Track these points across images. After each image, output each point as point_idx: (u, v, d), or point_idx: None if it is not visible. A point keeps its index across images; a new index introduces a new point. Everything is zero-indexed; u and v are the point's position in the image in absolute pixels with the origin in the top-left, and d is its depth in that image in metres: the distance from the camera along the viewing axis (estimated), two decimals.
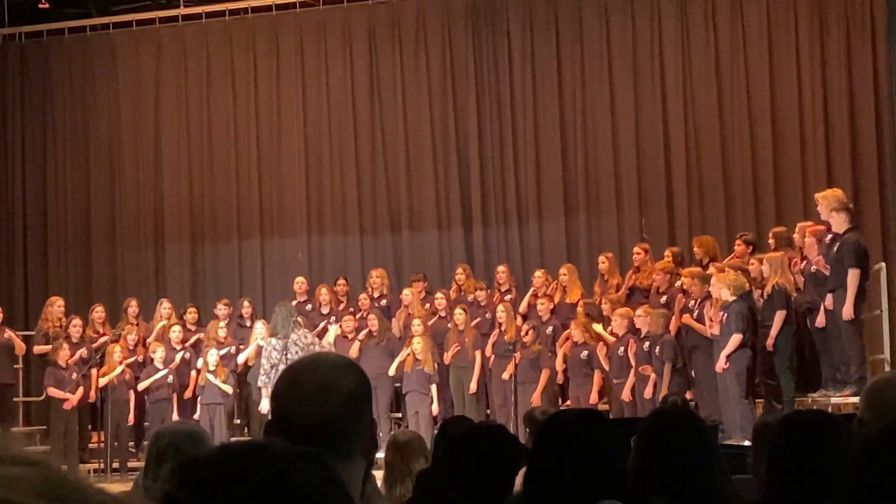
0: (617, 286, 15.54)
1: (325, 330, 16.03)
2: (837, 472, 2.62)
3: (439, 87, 18.29)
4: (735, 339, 12.96)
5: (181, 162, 19.10)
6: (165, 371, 15.55)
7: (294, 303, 15.83)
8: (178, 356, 15.78)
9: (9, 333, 16.14)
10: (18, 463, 1.13)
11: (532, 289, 15.91)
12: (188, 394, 15.76)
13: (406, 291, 16.35)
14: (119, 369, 15.58)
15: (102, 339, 16.26)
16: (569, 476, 3.41)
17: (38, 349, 16.22)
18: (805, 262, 13.45)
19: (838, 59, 16.78)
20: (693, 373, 14.00)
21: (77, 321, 16.18)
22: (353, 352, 15.46)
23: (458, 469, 4.09)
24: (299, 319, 14.75)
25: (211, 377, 15.39)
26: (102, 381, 15.53)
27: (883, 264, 13.62)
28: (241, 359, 15.80)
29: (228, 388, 15.49)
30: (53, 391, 15.42)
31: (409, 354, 15.28)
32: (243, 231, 18.89)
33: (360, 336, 15.77)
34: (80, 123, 19.55)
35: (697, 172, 17.29)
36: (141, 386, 15.64)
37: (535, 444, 3.67)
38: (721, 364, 13.00)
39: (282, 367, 13.14)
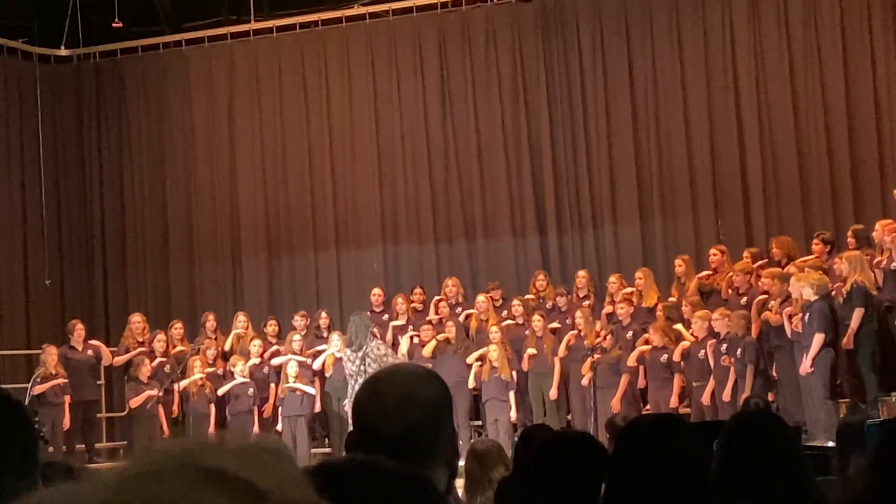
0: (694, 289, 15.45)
1: (398, 341, 16.07)
2: None
3: (510, 93, 18.26)
4: (818, 338, 12.82)
5: (256, 175, 19.22)
6: (246, 379, 15.67)
7: (369, 313, 15.84)
8: (258, 370, 15.92)
9: (94, 347, 16.35)
10: (290, 463, 1.11)
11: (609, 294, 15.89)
12: (268, 409, 15.87)
13: (480, 297, 16.36)
14: (198, 375, 15.70)
15: (182, 351, 16.41)
16: (650, 483, 3.39)
17: (118, 359, 16.42)
18: (888, 258, 13.27)
19: None
20: (775, 373, 13.87)
21: (161, 336, 16.42)
22: (427, 351, 15.50)
23: (545, 477, 4.07)
24: (375, 331, 14.79)
25: (292, 383, 15.49)
26: (183, 384, 15.71)
27: None
28: (316, 365, 15.83)
29: (311, 390, 15.56)
30: (135, 400, 15.60)
31: (484, 362, 15.29)
32: (319, 242, 18.96)
33: (439, 337, 15.75)
34: (155, 140, 19.75)
35: (773, 172, 17.10)
36: (221, 391, 15.75)
37: (615, 452, 3.66)
38: (806, 367, 12.87)
39: (360, 378, 13.21)
